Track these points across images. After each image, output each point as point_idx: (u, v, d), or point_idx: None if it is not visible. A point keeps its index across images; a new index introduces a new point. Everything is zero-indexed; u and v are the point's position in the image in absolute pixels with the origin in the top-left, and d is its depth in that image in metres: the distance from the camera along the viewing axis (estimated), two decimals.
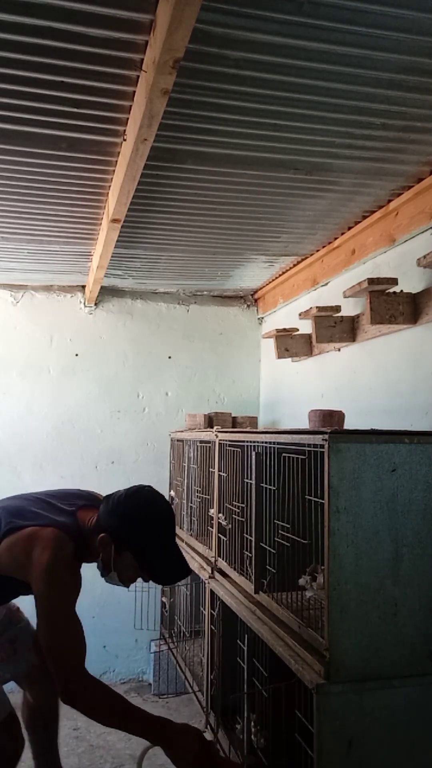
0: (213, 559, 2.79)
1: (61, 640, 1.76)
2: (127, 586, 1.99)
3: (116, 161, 2.23)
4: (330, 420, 2.38)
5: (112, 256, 3.16)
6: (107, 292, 4.20)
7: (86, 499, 2.06)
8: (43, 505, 2.00)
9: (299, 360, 3.62)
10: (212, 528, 2.82)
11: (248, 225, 2.92)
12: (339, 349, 3.16)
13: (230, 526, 2.59)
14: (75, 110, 1.90)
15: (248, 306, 4.47)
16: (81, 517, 1.97)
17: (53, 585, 1.78)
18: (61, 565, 1.81)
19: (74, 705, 1.72)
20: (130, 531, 1.86)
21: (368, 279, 2.47)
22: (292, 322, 3.52)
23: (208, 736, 2.55)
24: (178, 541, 3.50)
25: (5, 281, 4.00)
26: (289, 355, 3.45)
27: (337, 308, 2.96)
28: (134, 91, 1.80)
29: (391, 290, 2.50)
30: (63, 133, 2.04)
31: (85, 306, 4.18)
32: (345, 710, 1.61)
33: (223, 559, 2.67)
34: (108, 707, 1.72)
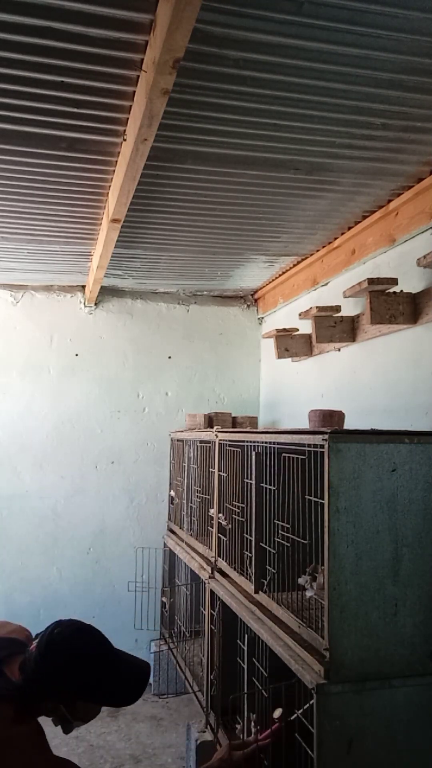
0: (213, 559, 2.79)
1: None
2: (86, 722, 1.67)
3: (116, 161, 2.23)
4: (330, 420, 2.38)
5: (112, 256, 3.16)
6: (107, 292, 4.20)
7: (7, 649, 1.68)
8: None
9: (299, 360, 3.62)
10: (212, 528, 2.82)
11: (248, 225, 2.92)
12: (339, 349, 3.16)
13: (230, 526, 2.59)
14: (75, 110, 1.90)
15: (248, 306, 4.47)
16: (10, 672, 1.60)
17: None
18: (9, 751, 1.46)
19: None
20: (72, 682, 1.55)
21: (368, 279, 2.47)
22: (292, 322, 3.52)
23: (208, 735, 2.56)
24: (177, 540, 3.53)
25: (5, 281, 4.00)
26: (289, 355, 3.45)
27: (337, 308, 2.96)
28: (134, 91, 1.80)
29: (391, 290, 2.50)
30: (63, 133, 2.04)
31: (85, 306, 4.18)
32: (345, 710, 1.61)
33: (223, 559, 2.67)
34: None
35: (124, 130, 2.01)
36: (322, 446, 1.68)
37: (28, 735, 1.52)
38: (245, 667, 2.17)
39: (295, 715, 1.70)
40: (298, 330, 3.43)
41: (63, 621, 1.63)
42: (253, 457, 2.22)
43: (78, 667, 1.56)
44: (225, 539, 2.64)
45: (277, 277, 3.91)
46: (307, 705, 1.62)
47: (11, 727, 1.49)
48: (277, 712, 1.76)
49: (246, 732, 2.13)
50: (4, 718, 1.49)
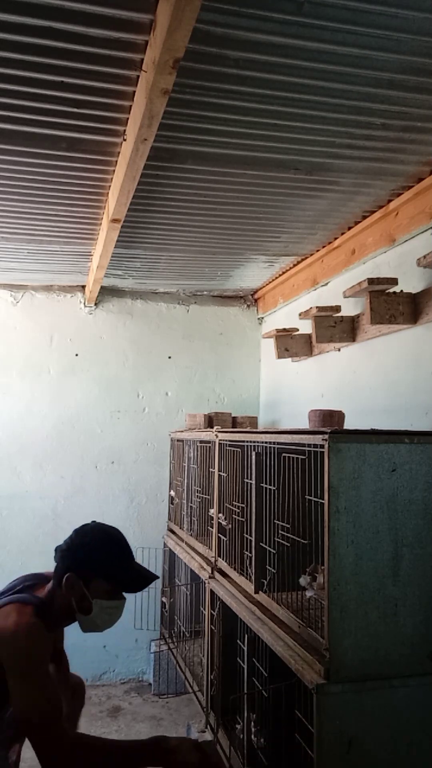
0: (213, 559, 2.79)
1: (36, 710, 1.68)
2: (114, 618, 1.96)
3: (116, 161, 2.23)
4: (330, 420, 2.38)
5: (112, 256, 3.16)
6: (107, 292, 4.20)
7: (32, 580, 2.02)
8: None
9: (299, 360, 3.62)
10: (212, 528, 2.82)
11: (248, 225, 2.92)
12: (339, 349, 3.16)
13: (230, 526, 2.59)
14: (75, 110, 1.90)
15: (248, 306, 4.47)
16: (36, 591, 1.95)
17: (18, 653, 1.73)
18: (21, 631, 1.75)
19: None
20: (92, 555, 1.90)
21: (368, 279, 2.47)
22: (292, 322, 3.52)
23: (208, 735, 2.55)
24: (177, 540, 3.53)
25: (5, 281, 4.00)
26: (289, 355, 3.45)
27: (337, 308, 2.96)
28: (134, 91, 1.80)
29: (391, 290, 2.50)
30: (63, 133, 2.04)
31: (85, 306, 4.18)
32: (345, 710, 1.61)
33: (223, 559, 2.67)
34: (96, 763, 1.70)
35: (124, 130, 2.01)
36: (322, 446, 1.68)
37: (40, 629, 1.79)
38: (245, 667, 2.17)
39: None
40: (298, 330, 3.43)
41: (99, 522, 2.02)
42: (253, 457, 2.22)
43: (100, 546, 1.91)
44: (225, 539, 2.65)
45: (277, 277, 3.91)
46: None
47: (30, 618, 1.79)
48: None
49: (246, 732, 2.13)
50: (26, 613, 1.79)
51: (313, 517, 1.79)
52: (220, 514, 2.71)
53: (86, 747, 1.73)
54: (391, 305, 2.47)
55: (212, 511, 2.83)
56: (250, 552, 2.25)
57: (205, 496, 3.07)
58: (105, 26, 1.53)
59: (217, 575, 2.69)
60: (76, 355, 4.16)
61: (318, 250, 3.30)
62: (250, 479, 2.26)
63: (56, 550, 1.95)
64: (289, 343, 3.43)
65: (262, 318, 4.44)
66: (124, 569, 1.93)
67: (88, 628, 1.95)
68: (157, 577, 1.96)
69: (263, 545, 2.18)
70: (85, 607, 1.89)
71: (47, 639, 1.84)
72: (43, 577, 2.03)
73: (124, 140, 2.04)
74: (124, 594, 1.96)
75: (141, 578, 1.94)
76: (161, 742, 1.74)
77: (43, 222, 2.85)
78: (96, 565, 1.89)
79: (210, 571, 2.77)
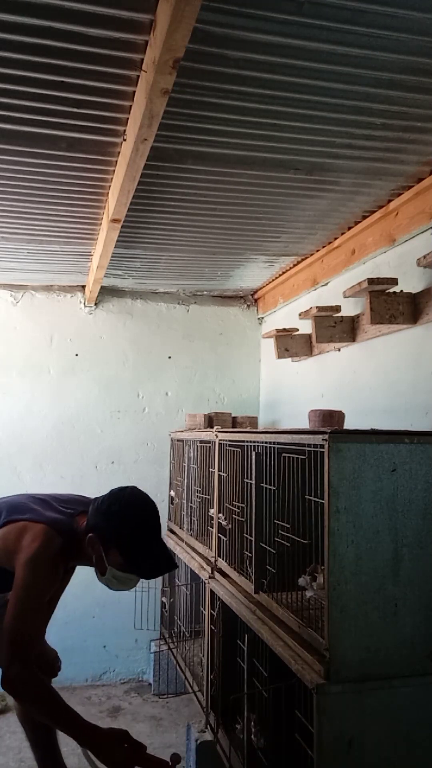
0: (213, 559, 2.79)
1: (21, 626, 1.80)
2: (128, 587, 2.01)
3: (116, 161, 2.23)
4: (330, 420, 2.38)
5: (112, 256, 3.16)
6: (107, 292, 4.20)
7: (87, 506, 2.11)
8: (43, 504, 2.08)
9: (299, 360, 3.62)
10: (212, 528, 2.82)
11: (248, 225, 2.92)
12: (339, 349, 3.16)
13: (230, 526, 2.59)
14: (75, 110, 1.90)
15: (248, 306, 4.47)
16: (78, 521, 2.04)
17: (32, 573, 1.84)
18: (44, 558, 1.87)
19: (14, 690, 1.74)
20: (113, 528, 1.93)
21: (368, 279, 2.47)
22: (292, 322, 3.52)
23: (208, 735, 2.55)
24: (178, 540, 3.53)
25: (5, 281, 4.00)
26: (289, 355, 3.45)
27: (337, 308, 2.96)
28: (134, 91, 1.80)
29: (391, 290, 2.50)
30: (63, 133, 2.04)
31: (85, 306, 4.18)
32: (345, 710, 1.61)
33: (223, 559, 2.66)
34: (46, 703, 1.75)
35: (124, 130, 2.01)
36: (322, 446, 1.68)
37: (57, 565, 1.89)
38: (245, 667, 2.17)
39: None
40: (298, 330, 3.43)
41: (138, 489, 2.05)
42: (253, 457, 2.22)
43: (130, 515, 1.93)
44: (225, 539, 2.64)
45: (277, 277, 3.91)
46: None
47: (55, 551, 1.88)
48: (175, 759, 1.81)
49: (246, 732, 2.13)
50: (54, 545, 1.88)
51: (313, 517, 1.79)
52: (220, 514, 2.71)
53: (43, 686, 1.77)
54: (391, 305, 2.47)
55: (212, 511, 2.83)
56: (250, 552, 2.25)
57: (205, 496, 3.07)
58: (105, 26, 1.53)
59: (217, 575, 2.69)
60: (76, 355, 4.16)
61: (318, 250, 3.30)
62: (250, 479, 2.26)
63: (93, 501, 2.01)
64: (289, 343, 3.43)
65: (262, 318, 4.44)
66: (141, 554, 1.94)
67: (102, 583, 2.01)
68: (176, 567, 1.99)
69: (263, 545, 2.18)
70: (101, 569, 1.96)
71: (59, 576, 1.94)
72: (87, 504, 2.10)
73: (124, 140, 2.04)
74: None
75: (156, 568, 1.97)
76: (95, 729, 1.76)
77: (43, 222, 2.85)
78: (118, 540, 1.91)
79: (210, 571, 2.77)
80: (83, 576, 4.02)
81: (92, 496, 2.17)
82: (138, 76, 1.72)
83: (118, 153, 2.17)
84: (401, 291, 2.49)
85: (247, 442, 2.36)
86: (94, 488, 4.14)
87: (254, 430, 3.27)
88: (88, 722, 1.76)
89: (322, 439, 1.67)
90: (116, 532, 1.92)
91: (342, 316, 2.96)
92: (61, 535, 1.93)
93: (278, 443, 2.06)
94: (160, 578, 3.92)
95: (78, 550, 1.97)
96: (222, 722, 2.47)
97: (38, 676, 1.77)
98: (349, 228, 2.94)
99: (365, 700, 1.62)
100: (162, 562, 1.97)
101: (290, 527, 1.99)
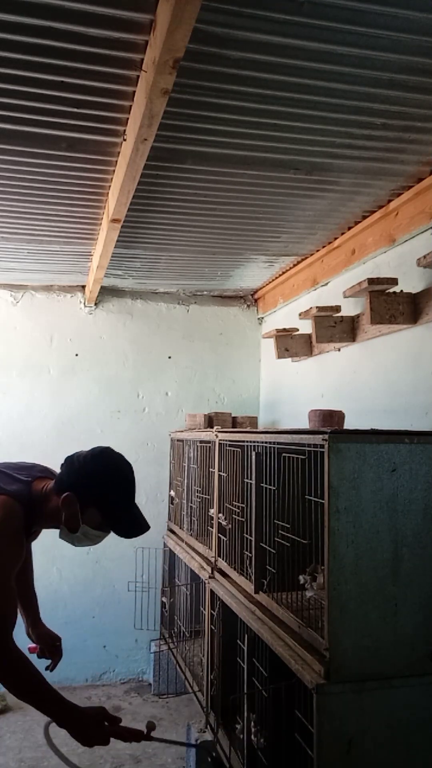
0: (213, 559, 2.79)
1: None
2: (93, 543, 2.00)
3: (116, 161, 2.23)
4: (330, 420, 2.38)
5: (112, 256, 3.16)
6: (107, 292, 4.20)
7: (41, 471, 2.11)
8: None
9: (299, 360, 3.62)
10: (212, 528, 2.82)
11: (248, 225, 2.92)
12: (339, 349, 3.16)
13: (230, 526, 2.59)
14: (75, 110, 1.90)
15: (248, 306, 4.47)
16: (35, 486, 2.01)
17: None
18: (8, 530, 1.83)
19: None
20: (96, 486, 1.92)
21: (368, 279, 2.47)
22: (292, 322, 3.52)
23: (208, 735, 2.55)
24: (177, 540, 3.53)
25: (5, 281, 4.00)
26: (289, 355, 3.45)
27: (337, 308, 2.96)
28: (134, 91, 1.80)
29: (391, 290, 2.50)
30: (63, 133, 2.04)
31: (85, 306, 4.18)
32: (345, 710, 1.61)
33: (223, 559, 2.66)
34: (26, 680, 1.72)
35: (124, 130, 2.01)
36: (322, 446, 1.67)
37: (20, 532, 1.85)
38: (245, 667, 2.17)
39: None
40: (298, 330, 3.43)
41: (113, 449, 2.05)
42: (253, 457, 2.22)
43: (113, 474, 1.95)
44: (225, 539, 2.64)
45: (277, 277, 3.91)
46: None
47: (17, 519, 1.84)
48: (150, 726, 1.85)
49: (246, 732, 2.13)
50: (15, 515, 1.84)
51: (313, 517, 1.79)
52: (220, 514, 2.71)
53: (24, 665, 1.72)
54: (391, 305, 2.47)
55: (212, 511, 2.83)
56: (250, 552, 2.25)
57: (205, 496, 3.07)
58: (105, 26, 1.53)
59: (217, 575, 2.69)
60: (76, 355, 4.16)
61: (318, 250, 3.30)
62: (250, 479, 2.26)
63: (66, 459, 1.99)
64: (289, 343, 3.43)
65: (262, 318, 4.44)
66: (122, 512, 1.95)
67: (65, 539, 1.98)
68: (149, 528, 1.98)
69: (263, 545, 2.18)
70: (72, 527, 1.92)
71: (23, 546, 1.89)
72: (49, 473, 2.07)
73: (124, 140, 2.04)
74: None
75: (135, 526, 1.96)
76: (74, 708, 1.74)
77: (43, 222, 2.85)
78: (97, 498, 1.91)
79: (210, 571, 2.77)
80: (83, 576, 4.05)
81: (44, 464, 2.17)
82: (138, 76, 1.72)
83: (118, 153, 2.17)
84: (401, 291, 2.49)
85: (247, 442, 2.36)
86: None
87: (254, 430, 3.27)
88: (68, 702, 1.74)
89: (322, 439, 1.67)
90: (98, 490, 1.91)
91: (342, 316, 2.96)
92: (22, 503, 1.90)
93: (278, 443, 2.06)
94: (160, 578, 3.92)
95: (40, 514, 1.95)
96: (222, 722, 2.47)
97: (17, 651, 1.73)
98: (349, 228, 2.94)
99: (365, 700, 1.62)
100: (141, 521, 1.98)
101: (290, 527, 1.99)
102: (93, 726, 1.74)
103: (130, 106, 1.87)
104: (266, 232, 3.02)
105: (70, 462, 1.98)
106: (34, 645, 2.23)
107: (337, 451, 1.65)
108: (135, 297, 4.29)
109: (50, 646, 2.26)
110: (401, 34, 1.57)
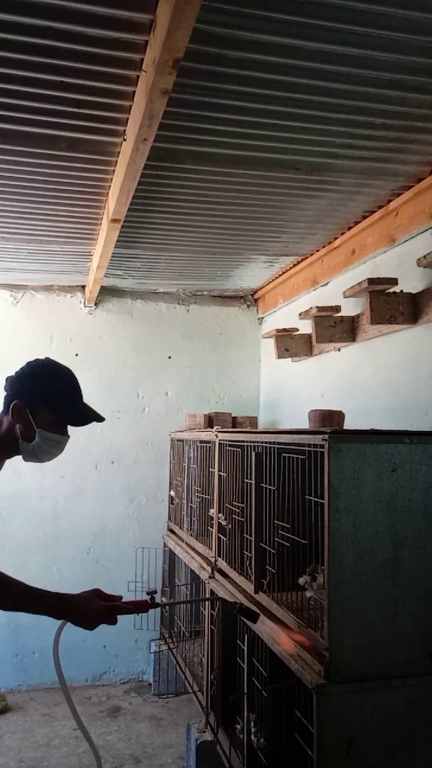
0: (213, 559, 2.79)
1: None
2: (56, 451, 2.01)
3: (116, 161, 2.23)
4: (330, 420, 2.38)
5: (112, 256, 3.16)
6: (107, 292, 4.20)
7: None
8: None
9: (299, 360, 3.62)
10: (212, 528, 2.82)
11: (248, 225, 2.92)
12: (339, 349, 3.16)
13: (230, 526, 2.59)
14: (75, 110, 1.90)
15: (248, 306, 4.47)
16: None
17: None
18: None
19: None
20: (39, 384, 1.95)
21: (368, 279, 2.47)
22: (292, 322, 3.52)
23: (208, 735, 2.56)
24: (177, 540, 3.53)
25: (5, 281, 4.00)
26: (289, 355, 3.45)
27: (337, 308, 2.96)
28: (134, 91, 1.80)
29: (391, 290, 2.50)
30: (63, 133, 2.04)
31: (85, 306, 4.18)
32: (345, 710, 1.61)
33: (223, 559, 2.67)
34: (4, 590, 1.73)
35: (124, 130, 2.01)
36: (322, 446, 1.68)
37: None
38: (245, 667, 2.17)
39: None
40: (298, 330, 3.44)
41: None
42: (253, 457, 2.22)
43: (51, 378, 1.97)
44: (225, 539, 2.65)
45: (277, 277, 3.91)
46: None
47: None
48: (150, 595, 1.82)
49: (246, 732, 2.13)
50: None
51: (313, 517, 1.79)
52: (220, 514, 2.71)
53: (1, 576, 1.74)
54: (391, 305, 2.47)
55: (212, 511, 2.83)
56: (250, 552, 2.25)
57: (205, 496, 3.07)
58: (105, 26, 1.53)
59: (217, 575, 2.69)
60: (76, 355, 4.16)
61: (318, 250, 3.30)
62: (250, 479, 2.26)
63: (6, 379, 2.00)
64: (289, 343, 3.43)
65: (262, 318, 4.44)
66: (70, 402, 1.97)
67: (29, 458, 1.99)
68: (104, 419, 1.98)
69: (263, 545, 2.18)
70: (28, 435, 1.94)
71: None
72: None
73: (124, 140, 2.04)
74: (69, 432, 2.01)
75: (89, 414, 1.99)
76: (65, 597, 1.75)
77: (43, 222, 2.85)
78: (44, 395, 1.92)
79: (210, 571, 2.77)
80: (83, 576, 4.05)
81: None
82: (138, 76, 1.72)
83: (118, 153, 2.17)
84: (401, 291, 2.49)
85: (247, 442, 2.36)
86: (94, 488, 4.16)
87: (254, 430, 3.28)
88: (56, 593, 1.74)
89: (322, 439, 1.67)
90: (44, 387, 1.93)
91: (342, 316, 2.96)
92: None
93: (278, 443, 2.06)
94: (160, 579, 3.92)
95: None
96: (222, 722, 2.47)
97: None
98: (349, 228, 2.94)
99: (365, 700, 1.62)
100: (91, 411, 2.00)
101: (290, 527, 1.99)
102: (90, 605, 1.72)
103: (130, 106, 1.87)
104: (266, 232, 3.02)
105: (8, 378, 2.00)
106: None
107: (337, 451, 1.65)
108: (135, 297, 4.29)
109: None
110: (401, 34, 1.57)
